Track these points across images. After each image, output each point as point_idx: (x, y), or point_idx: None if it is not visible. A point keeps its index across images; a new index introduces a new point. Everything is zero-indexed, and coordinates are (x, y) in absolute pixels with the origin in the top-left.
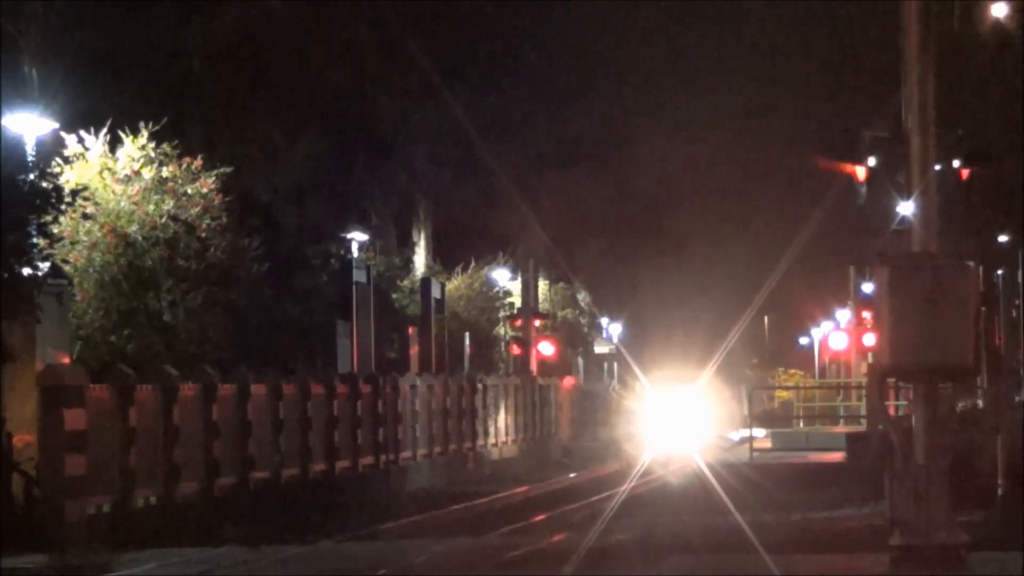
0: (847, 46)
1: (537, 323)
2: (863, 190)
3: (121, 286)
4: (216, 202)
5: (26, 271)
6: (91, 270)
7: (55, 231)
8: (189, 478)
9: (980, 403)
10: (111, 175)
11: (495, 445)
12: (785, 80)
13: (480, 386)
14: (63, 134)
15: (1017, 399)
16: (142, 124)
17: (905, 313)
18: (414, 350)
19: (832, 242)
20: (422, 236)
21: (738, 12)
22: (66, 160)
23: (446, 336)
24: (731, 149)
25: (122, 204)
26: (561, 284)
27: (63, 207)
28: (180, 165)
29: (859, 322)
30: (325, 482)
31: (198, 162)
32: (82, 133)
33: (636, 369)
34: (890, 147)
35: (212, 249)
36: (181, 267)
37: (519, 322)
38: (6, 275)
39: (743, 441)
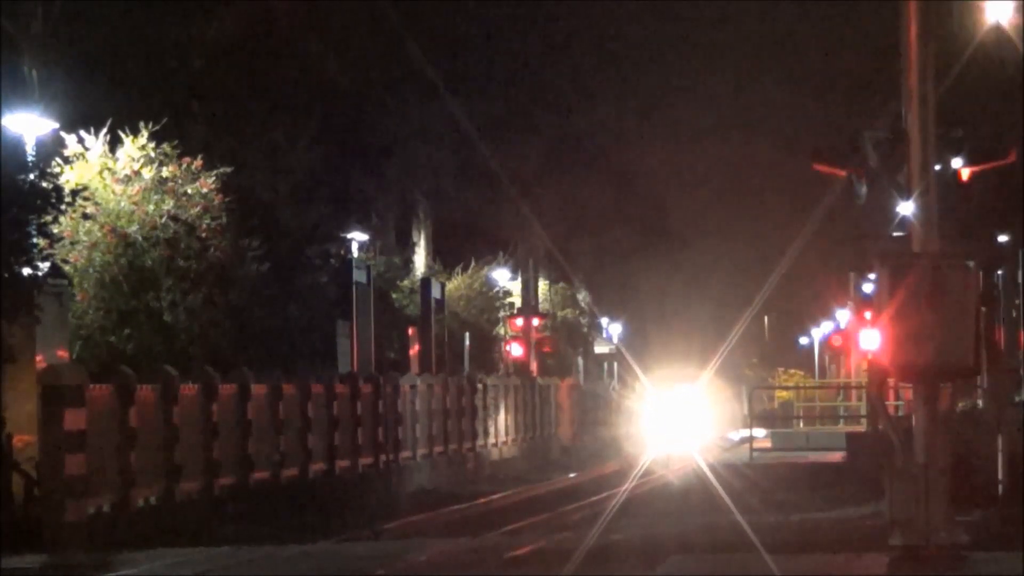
0: (847, 46)
1: (537, 323)
2: (863, 190)
3: (121, 286)
4: (216, 202)
5: (26, 271)
6: (91, 270)
7: (55, 231)
8: (189, 478)
9: (980, 403)
10: (111, 175)
11: (495, 445)
12: (785, 80)
13: (480, 386)
14: (63, 134)
15: (1017, 399)
16: (142, 124)
17: (905, 313)
18: (414, 350)
19: (832, 242)
20: (422, 236)
21: (738, 13)
22: (66, 160)
23: (446, 336)
24: (731, 149)
25: (122, 204)
26: (561, 284)
27: (63, 207)
28: (180, 165)
29: (859, 322)
30: (325, 482)
31: (198, 162)
32: (82, 133)
33: (636, 369)
34: (890, 147)
35: (212, 249)
36: (181, 267)
37: (519, 322)
38: (6, 275)
39: (743, 441)
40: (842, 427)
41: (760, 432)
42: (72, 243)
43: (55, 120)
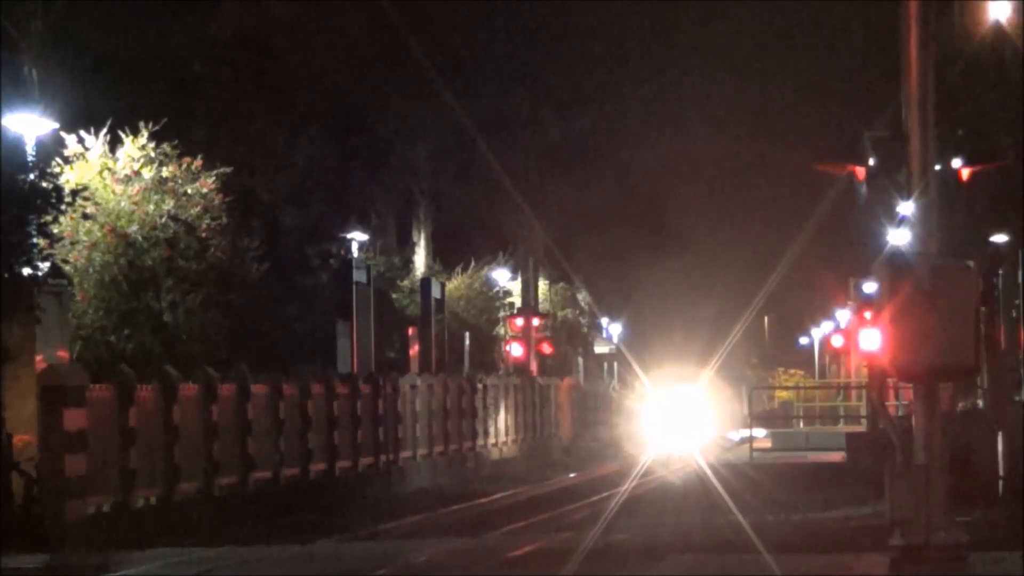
0: (847, 46)
1: (537, 323)
2: (863, 190)
3: (121, 286)
4: (216, 202)
5: (26, 271)
6: (91, 270)
7: (55, 231)
8: (189, 478)
9: (980, 403)
10: (111, 175)
11: (495, 445)
12: (785, 80)
13: (480, 386)
14: (63, 134)
15: (1017, 399)
16: (142, 124)
17: (905, 313)
18: (414, 350)
19: (832, 243)
20: (422, 236)
21: (739, 13)
22: (66, 160)
23: (446, 336)
24: (732, 149)
25: (122, 204)
26: (561, 284)
27: (63, 207)
28: (180, 165)
29: (859, 322)
30: (325, 482)
31: (198, 162)
32: (82, 133)
33: (637, 368)
34: (890, 147)
35: (212, 249)
36: (181, 267)
37: (519, 322)
38: (6, 275)
39: (744, 441)
40: (842, 427)
41: (760, 432)
42: (72, 243)
43: (55, 120)
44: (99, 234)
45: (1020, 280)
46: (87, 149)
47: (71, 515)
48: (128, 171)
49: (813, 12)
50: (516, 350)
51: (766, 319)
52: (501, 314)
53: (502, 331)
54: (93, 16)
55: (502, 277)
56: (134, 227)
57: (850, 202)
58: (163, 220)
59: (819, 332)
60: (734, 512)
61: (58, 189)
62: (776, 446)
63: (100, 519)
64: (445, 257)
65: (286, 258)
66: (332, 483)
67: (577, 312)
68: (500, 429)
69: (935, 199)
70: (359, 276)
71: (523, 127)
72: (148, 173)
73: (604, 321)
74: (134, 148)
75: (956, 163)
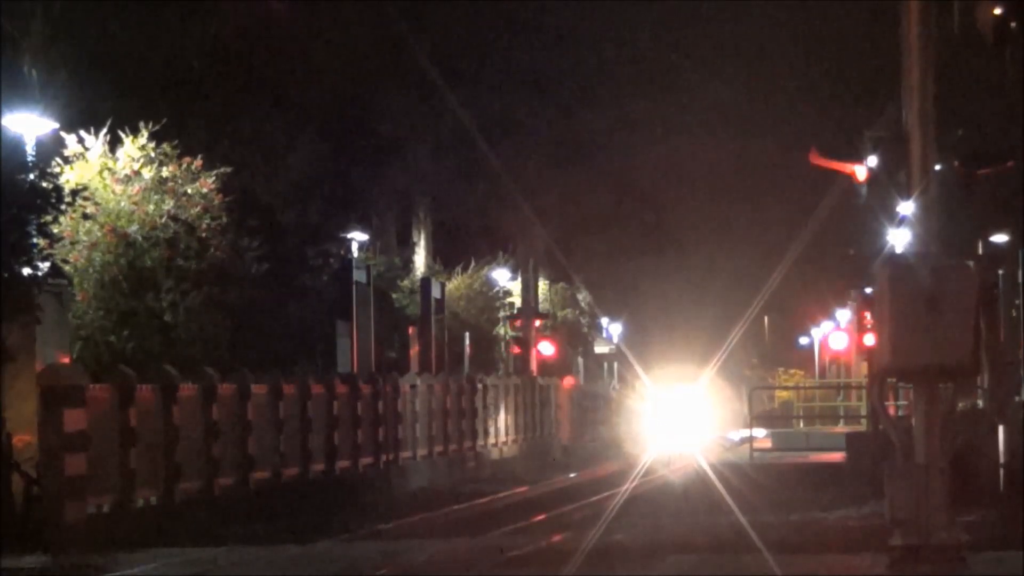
0: (847, 46)
1: (537, 323)
2: (864, 190)
3: (121, 286)
4: (216, 202)
5: (26, 271)
6: (91, 270)
7: (55, 231)
8: (189, 478)
9: (980, 403)
10: (111, 175)
11: (495, 445)
12: (785, 80)
13: (480, 386)
14: (63, 134)
15: (1017, 399)
16: (142, 124)
17: (905, 313)
18: (414, 350)
19: (832, 244)
20: (422, 236)
21: (739, 12)
22: (66, 160)
23: (446, 336)
24: (732, 149)
25: (122, 204)
26: (561, 284)
27: (63, 207)
28: (180, 165)
29: (860, 322)
30: (325, 482)
31: (198, 162)
32: (82, 133)
33: (637, 368)
34: (890, 147)
35: (212, 249)
36: (181, 267)
37: (519, 322)
38: (6, 275)
39: (744, 441)
40: (842, 427)
41: (760, 432)
42: (72, 243)
43: (55, 120)
44: (99, 234)
45: (1020, 280)
46: (87, 149)
47: (71, 515)
48: (128, 171)
49: (813, 12)
50: (516, 350)
51: (766, 319)
52: (501, 314)
53: (502, 331)
54: (93, 16)
55: (502, 277)
56: (134, 227)
57: (850, 202)
58: (163, 220)
59: (819, 332)
60: (735, 512)
61: (58, 189)
62: (776, 446)
63: (100, 519)
64: (445, 257)
65: (286, 258)
66: (332, 483)
67: (577, 312)
68: (500, 429)
69: (935, 199)
70: (359, 276)
71: (523, 127)
72: (148, 173)
73: (604, 321)
74: (134, 148)
75: (956, 163)
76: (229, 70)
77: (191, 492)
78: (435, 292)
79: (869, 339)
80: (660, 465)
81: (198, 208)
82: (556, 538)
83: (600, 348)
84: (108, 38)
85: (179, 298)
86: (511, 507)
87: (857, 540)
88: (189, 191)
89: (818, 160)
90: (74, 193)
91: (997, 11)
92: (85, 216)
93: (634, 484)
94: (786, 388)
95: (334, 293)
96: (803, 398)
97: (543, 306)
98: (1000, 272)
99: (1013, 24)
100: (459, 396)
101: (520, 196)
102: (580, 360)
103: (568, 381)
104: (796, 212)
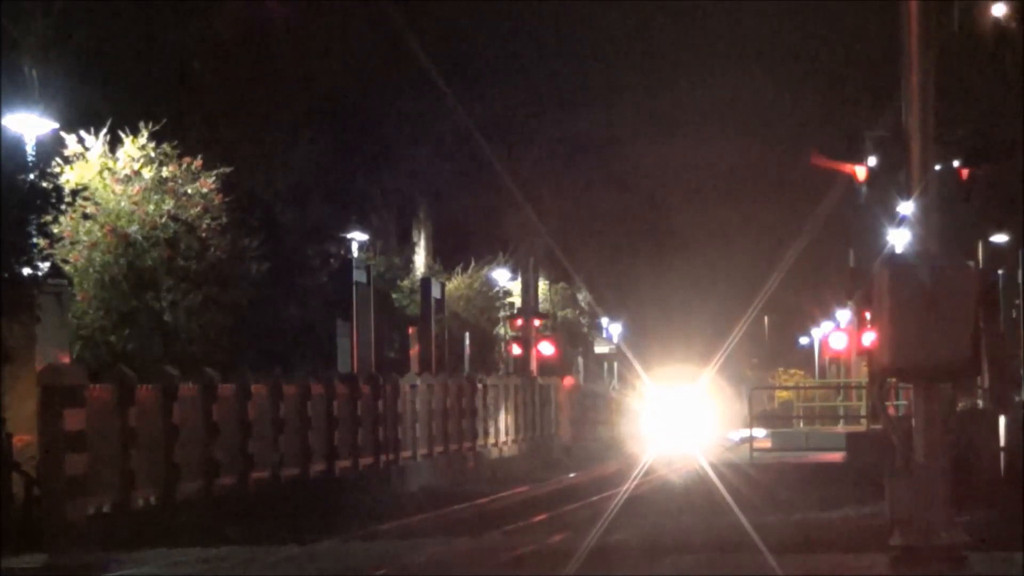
0: (847, 46)
1: (537, 323)
2: (864, 190)
3: (121, 286)
4: (216, 202)
5: (26, 271)
6: (91, 270)
7: (55, 231)
8: (189, 478)
9: (980, 403)
10: (111, 175)
11: (495, 445)
12: (785, 80)
13: (480, 386)
14: (63, 134)
15: (1017, 399)
16: (142, 124)
17: (905, 313)
18: (414, 350)
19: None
20: (422, 236)
21: (739, 12)
22: (66, 160)
23: (446, 336)
24: (731, 149)
25: (122, 204)
26: (561, 284)
27: (63, 207)
28: (180, 165)
29: (860, 322)
30: (325, 482)
31: (198, 162)
32: (82, 133)
33: (638, 368)
34: (890, 147)
35: (212, 249)
36: (181, 267)
37: (519, 322)
38: (6, 275)
39: (744, 441)
40: (842, 427)
41: (760, 432)
42: (72, 243)
43: (55, 120)
44: (99, 234)
45: (1020, 280)
46: (87, 149)
47: (71, 515)
48: (128, 171)
49: (813, 12)
50: (516, 350)
51: (766, 319)
52: (501, 314)
53: (502, 331)
54: (93, 16)
55: (502, 277)
56: (134, 227)
57: (850, 202)
58: (163, 220)
59: (819, 332)
60: (735, 512)
61: (58, 189)
62: (776, 446)
63: (100, 519)
64: (445, 257)
65: (286, 258)
66: (332, 483)
67: (577, 312)
68: (500, 429)
69: (935, 199)
70: (359, 276)
71: (523, 127)
72: (148, 173)
73: (604, 321)
74: (134, 148)
75: (956, 163)
76: (229, 70)
77: (191, 492)
78: (435, 292)
79: (868, 338)
80: (660, 465)
81: (198, 208)
82: (556, 538)
83: (600, 348)
84: (108, 38)
85: (179, 298)
86: (511, 507)
87: (857, 540)
88: (189, 191)
89: (818, 161)
90: (74, 193)
91: (997, 11)
92: (85, 216)
93: (634, 484)
94: (786, 388)
95: (334, 293)
96: (803, 398)
97: (543, 306)
98: (1000, 272)
99: (1013, 24)
100: (459, 396)
101: (520, 196)
102: (580, 360)
103: (568, 381)
104: (796, 212)
